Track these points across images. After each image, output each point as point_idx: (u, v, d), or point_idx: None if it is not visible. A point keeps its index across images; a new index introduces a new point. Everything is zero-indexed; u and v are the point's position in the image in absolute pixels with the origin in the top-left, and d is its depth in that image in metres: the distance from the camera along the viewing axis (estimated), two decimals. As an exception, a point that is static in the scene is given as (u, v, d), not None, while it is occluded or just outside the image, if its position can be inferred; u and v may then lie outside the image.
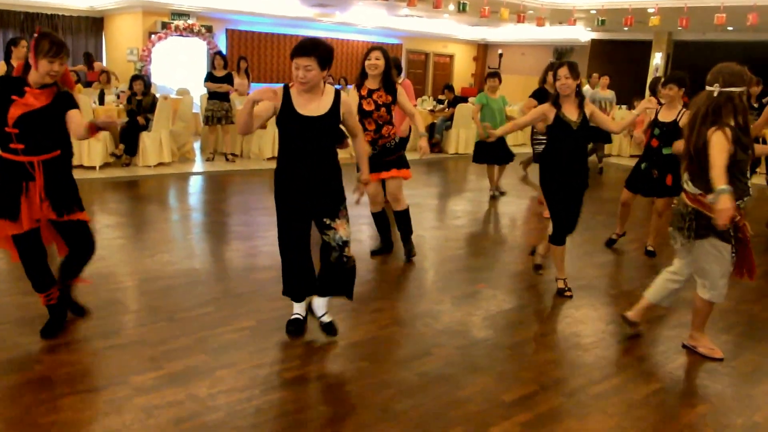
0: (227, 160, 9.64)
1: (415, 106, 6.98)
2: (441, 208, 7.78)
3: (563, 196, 4.44)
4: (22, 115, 3.30)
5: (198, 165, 9.37)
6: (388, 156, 5.06)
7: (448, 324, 4.06)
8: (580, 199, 4.54)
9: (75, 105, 3.48)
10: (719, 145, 3.19)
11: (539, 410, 3.06)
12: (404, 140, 6.94)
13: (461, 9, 11.63)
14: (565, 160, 4.38)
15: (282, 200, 3.52)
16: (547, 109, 4.38)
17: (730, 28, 12.76)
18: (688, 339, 3.80)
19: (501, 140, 7.64)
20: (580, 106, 4.37)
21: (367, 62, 4.79)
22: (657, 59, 17.00)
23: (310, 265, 3.69)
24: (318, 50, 3.27)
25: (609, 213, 7.14)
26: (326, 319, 3.75)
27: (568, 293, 4.62)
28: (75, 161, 8.02)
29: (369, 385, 3.22)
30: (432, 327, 4.00)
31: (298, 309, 3.81)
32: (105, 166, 8.47)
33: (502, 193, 8.23)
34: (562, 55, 19.23)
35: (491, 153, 7.78)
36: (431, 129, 12.07)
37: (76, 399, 2.95)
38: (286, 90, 3.42)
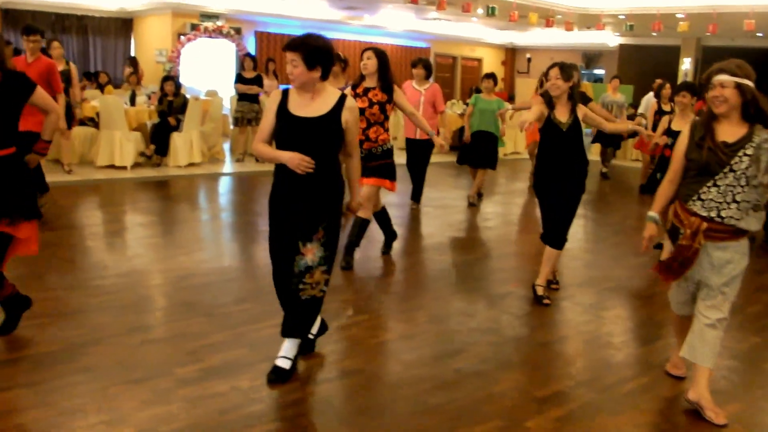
0: (257, 161, 9.78)
1: (443, 111, 6.98)
2: (470, 210, 7.83)
3: (553, 196, 4.40)
4: None
5: (228, 166, 9.53)
6: (373, 161, 4.84)
7: (481, 322, 4.12)
8: (572, 202, 4.41)
9: (32, 84, 3.18)
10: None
11: (572, 406, 3.11)
12: (422, 144, 6.95)
13: (490, 13, 11.68)
14: (556, 161, 4.36)
15: (271, 210, 3.23)
16: (544, 109, 4.39)
17: (759, 34, 12.65)
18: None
19: (493, 145, 7.65)
20: (573, 108, 4.34)
21: (361, 63, 4.86)
22: (686, 64, 16.88)
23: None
24: (304, 45, 3.01)
25: (638, 217, 7.13)
26: (280, 363, 3.24)
27: (546, 301, 4.46)
28: (105, 161, 8.28)
29: (405, 380, 3.29)
30: (465, 325, 4.06)
31: (286, 348, 3.28)
32: (136, 166, 8.66)
33: (480, 196, 8.01)
34: (590, 60, 19.17)
35: (477, 156, 7.68)
36: (459, 132, 12.10)
37: (122, 389, 3.05)
38: (285, 92, 3.19)
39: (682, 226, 3.00)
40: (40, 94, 3.29)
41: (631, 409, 3.11)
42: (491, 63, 21.43)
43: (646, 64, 17.27)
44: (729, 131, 2.92)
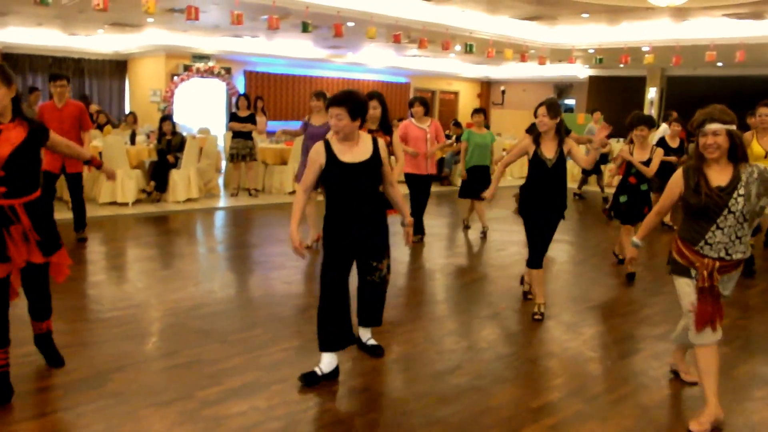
0: (250, 195, 10.11)
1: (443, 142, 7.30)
2: (453, 237, 8.20)
3: (537, 224, 4.82)
4: (12, 153, 3.19)
5: (223, 200, 9.84)
6: None
7: (475, 341, 4.46)
8: (552, 228, 4.85)
9: (46, 130, 3.44)
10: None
11: (563, 415, 3.44)
12: (423, 179, 7.30)
13: (468, 50, 12.23)
14: (540, 193, 4.77)
15: (331, 246, 3.71)
16: (528, 145, 4.77)
17: (719, 64, 13.36)
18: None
19: (487, 177, 7.97)
20: (559, 143, 4.70)
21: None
22: (651, 93, 17.62)
23: (348, 311, 3.78)
24: (349, 101, 3.54)
25: (611, 240, 7.56)
26: (372, 342, 4.15)
27: (537, 317, 4.88)
28: (108, 198, 8.54)
29: (410, 396, 3.60)
30: (460, 344, 4.39)
31: (326, 361, 3.76)
32: (137, 202, 8.95)
33: (467, 228, 8.41)
34: (562, 91, 19.89)
35: (479, 188, 7.92)
36: (440, 163, 12.57)
37: (150, 411, 3.31)
38: (327, 143, 3.64)
39: (694, 267, 3.31)
40: (54, 138, 3.53)
41: (617, 416, 3.45)
42: (467, 96, 22.12)
43: (614, 94, 18.00)
44: (719, 175, 3.23)
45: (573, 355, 4.33)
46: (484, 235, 8.04)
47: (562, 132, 4.72)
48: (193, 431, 3.15)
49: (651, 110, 17.27)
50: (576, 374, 4.01)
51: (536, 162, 4.73)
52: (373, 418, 3.37)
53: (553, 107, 4.69)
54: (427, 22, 11.37)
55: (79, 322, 4.57)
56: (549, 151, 4.70)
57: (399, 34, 11.30)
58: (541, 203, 4.77)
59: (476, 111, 8.19)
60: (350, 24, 10.90)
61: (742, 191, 3.16)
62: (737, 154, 3.19)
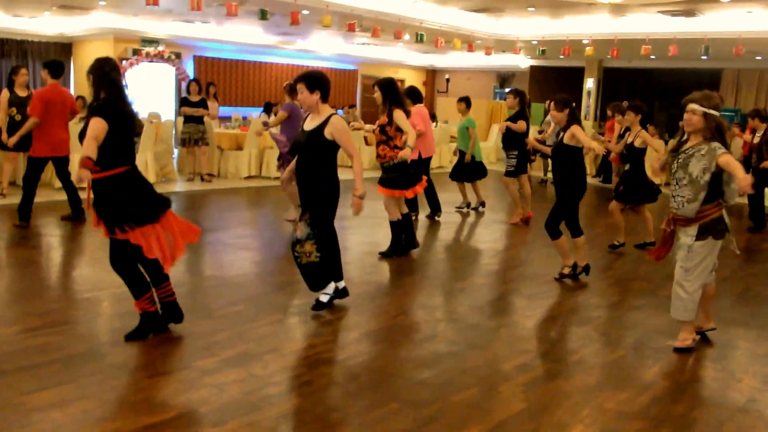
0: (203, 180, 10.13)
1: (419, 130, 7.46)
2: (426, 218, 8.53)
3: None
4: None
5: (180, 185, 9.86)
6: (385, 174, 5.95)
7: (445, 312, 4.82)
8: (557, 205, 5.62)
9: None
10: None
11: (534, 374, 3.83)
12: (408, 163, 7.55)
13: (419, 39, 12.56)
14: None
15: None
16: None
17: (652, 57, 14.17)
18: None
19: (463, 160, 8.48)
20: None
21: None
22: (589, 84, 18.44)
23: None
24: (305, 76, 4.33)
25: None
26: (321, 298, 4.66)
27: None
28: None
29: (393, 361, 3.92)
30: (432, 315, 4.75)
31: (332, 287, 4.66)
32: (92, 187, 8.85)
33: (483, 204, 8.99)
34: (504, 80, 20.53)
35: (471, 172, 8.61)
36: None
37: (154, 381, 3.49)
38: (307, 114, 4.52)
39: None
40: None
41: (580, 373, 3.86)
42: (413, 83, 22.42)
43: (553, 83, 18.72)
44: (687, 146, 4.12)
45: (537, 322, 4.75)
46: (475, 208, 8.88)
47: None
48: (198, 397, 3.35)
49: (588, 100, 18.09)
50: (540, 339, 4.44)
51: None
52: (364, 380, 3.65)
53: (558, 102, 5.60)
54: (380, 12, 11.62)
55: (62, 302, 4.67)
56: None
57: (353, 23, 11.50)
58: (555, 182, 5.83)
59: (459, 100, 8.69)
60: (305, 12, 11.03)
61: (681, 158, 4.02)
62: (711, 134, 3.93)
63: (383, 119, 5.79)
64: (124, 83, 3.99)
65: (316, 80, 4.31)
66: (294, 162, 4.55)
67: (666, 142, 12.50)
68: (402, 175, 5.94)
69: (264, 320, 4.45)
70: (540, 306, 5.09)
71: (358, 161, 4.42)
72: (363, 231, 7.30)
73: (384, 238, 6.45)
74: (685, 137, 4.11)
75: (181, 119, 10.25)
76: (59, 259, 6.10)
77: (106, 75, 3.84)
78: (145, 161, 9.24)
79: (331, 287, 4.61)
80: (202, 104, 10.04)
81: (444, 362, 3.92)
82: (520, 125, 7.76)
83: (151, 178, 9.34)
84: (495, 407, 3.39)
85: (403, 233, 6.14)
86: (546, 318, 4.85)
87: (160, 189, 9.39)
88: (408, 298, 5.17)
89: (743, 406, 3.52)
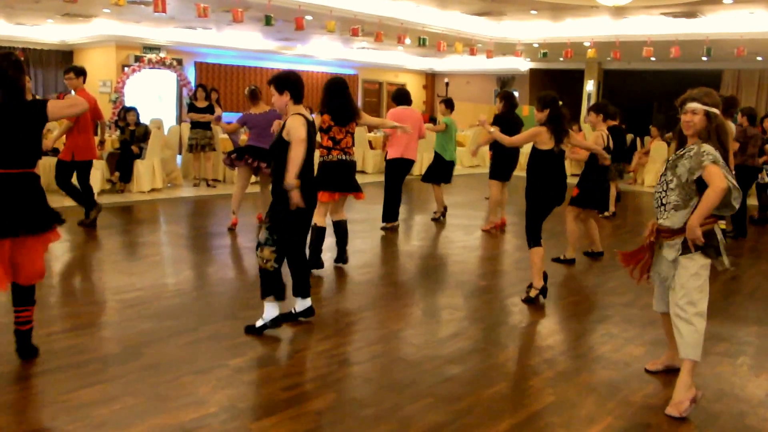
0: (208, 185, 10.20)
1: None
2: (428, 222, 8.62)
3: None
4: None
5: (186, 190, 9.93)
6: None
7: (468, 313, 4.91)
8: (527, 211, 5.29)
9: (44, 103, 3.57)
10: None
11: (559, 369, 3.92)
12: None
13: (421, 43, 12.69)
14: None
15: None
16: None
17: (653, 59, 14.33)
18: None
19: (452, 163, 8.39)
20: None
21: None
22: (589, 86, 18.60)
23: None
24: (274, 78, 4.23)
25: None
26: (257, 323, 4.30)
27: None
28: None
29: (422, 358, 3.99)
30: (455, 315, 4.83)
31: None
32: (102, 192, 8.94)
33: (444, 212, 8.70)
34: (504, 84, 20.66)
35: (444, 174, 8.41)
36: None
37: (191, 379, 3.55)
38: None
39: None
40: (54, 104, 3.55)
41: (603, 368, 3.95)
42: (413, 87, 22.54)
43: (553, 86, 18.87)
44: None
45: (558, 320, 4.86)
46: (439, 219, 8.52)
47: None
48: (237, 393, 3.43)
49: (589, 102, 18.24)
50: (561, 337, 4.53)
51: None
52: (396, 377, 3.73)
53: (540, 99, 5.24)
54: (383, 16, 11.74)
55: (92, 305, 4.75)
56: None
57: (357, 27, 11.61)
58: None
59: (441, 101, 8.77)
60: (308, 17, 11.13)
61: (671, 159, 3.46)
62: (709, 135, 3.33)
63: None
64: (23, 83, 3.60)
65: (283, 81, 4.17)
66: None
67: (668, 143, 12.65)
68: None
69: (287, 322, 4.52)
70: (558, 305, 5.19)
71: (294, 149, 4.06)
72: (389, 233, 7.39)
73: (385, 241, 6.56)
74: (681, 151, 3.44)
75: (186, 125, 10.32)
76: (79, 265, 6.14)
77: (3, 72, 3.46)
78: (152, 167, 9.31)
79: (271, 310, 4.24)
80: (209, 110, 10.11)
81: (470, 359, 4.01)
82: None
83: (158, 183, 9.42)
84: (525, 401, 3.48)
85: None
86: (565, 317, 4.95)
87: (166, 194, 9.76)
88: (430, 299, 5.26)
89: (763, 400, 3.62)
